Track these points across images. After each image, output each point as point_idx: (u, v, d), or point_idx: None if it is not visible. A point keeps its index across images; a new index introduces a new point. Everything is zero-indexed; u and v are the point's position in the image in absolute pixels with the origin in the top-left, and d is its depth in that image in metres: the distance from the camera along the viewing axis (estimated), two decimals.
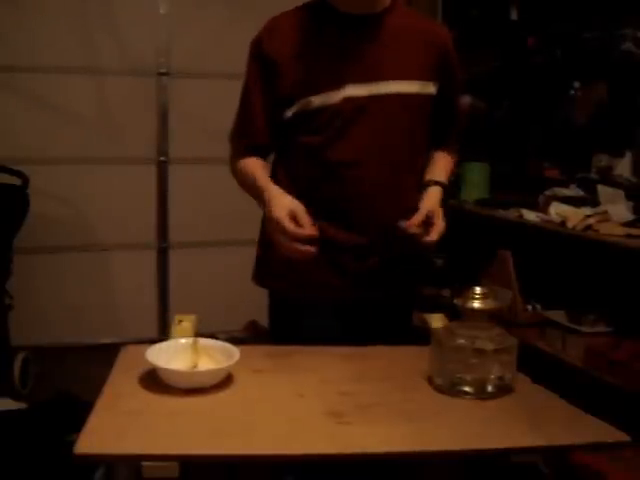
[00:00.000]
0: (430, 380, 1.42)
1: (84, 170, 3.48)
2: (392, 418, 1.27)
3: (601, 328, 2.57)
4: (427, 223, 1.57)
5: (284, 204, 1.51)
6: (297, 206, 1.51)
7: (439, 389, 1.39)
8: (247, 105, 1.67)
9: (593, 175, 2.75)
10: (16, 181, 2.95)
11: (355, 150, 1.61)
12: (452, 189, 3.21)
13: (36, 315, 3.35)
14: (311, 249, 1.47)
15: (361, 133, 1.61)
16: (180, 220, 3.64)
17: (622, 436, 1.25)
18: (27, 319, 3.19)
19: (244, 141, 1.69)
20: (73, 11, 3.35)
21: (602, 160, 2.71)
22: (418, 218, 1.56)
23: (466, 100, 3.32)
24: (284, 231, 1.47)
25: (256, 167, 1.65)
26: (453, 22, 3.56)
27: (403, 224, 1.55)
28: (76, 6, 3.36)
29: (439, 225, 1.59)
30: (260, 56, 1.64)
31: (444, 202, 1.67)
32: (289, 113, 1.62)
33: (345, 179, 1.62)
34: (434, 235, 1.57)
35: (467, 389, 1.36)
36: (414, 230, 1.55)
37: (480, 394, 1.36)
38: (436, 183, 1.68)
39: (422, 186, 1.68)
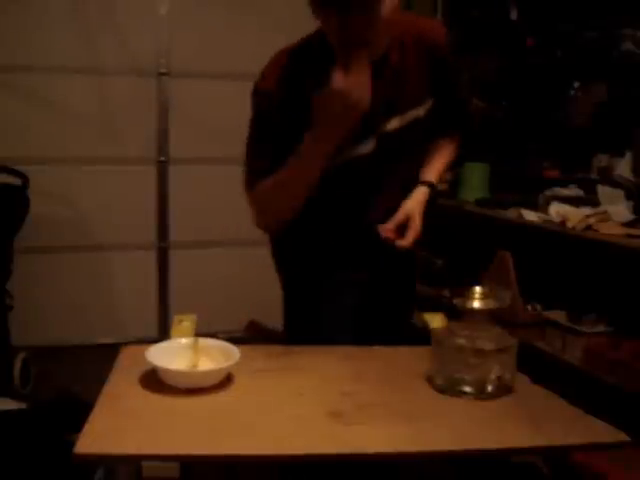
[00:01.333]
0: (430, 380, 1.42)
1: (84, 170, 3.48)
2: (392, 418, 1.27)
3: (601, 328, 2.57)
4: (404, 226, 1.61)
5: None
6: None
7: (439, 389, 1.39)
8: (263, 152, 1.58)
9: (593, 175, 2.74)
10: (16, 181, 2.95)
11: (367, 188, 1.66)
12: (452, 189, 3.22)
13: (36, 315, 3.35)
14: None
15: (380, 172, 1.65)
16: (180, 220, 3.64)
17: (622, 436, 1.25)
18: (27, 319, 3.19)
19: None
20: (73, 11, 3.35)
21: (602, 160, 2.71)
22: (392, 222, 1.61)
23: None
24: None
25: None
26: (453, 22, 3.57)
27: (379, 227, 1.59)
28: (76, 6, 3.35)
29: (415, 227, 1.62)
30: (268, 110, 1.56)
31: (432, 200, 1.71)
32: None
33: (355, 211, 1.68)
34: (409, 238, 1.60)
35: (467, 389, 1.36)
36: (388, 234, 1.59)
37: (480, 394, 1.36)
38: (423, 183, 1.70)
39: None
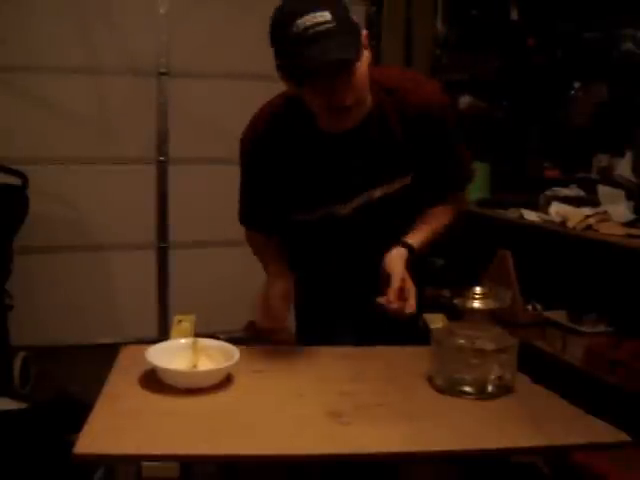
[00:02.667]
0: (430, 380, 1.42)
1: (84, 170, 3.47)
2: (392, 418, 1.27)
3: (601, 328, 2.57)
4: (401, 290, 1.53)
5: (279, 287, 1.63)
6: (286, 295, 1.62)
7: (439, 389, 1.39)
8: (249, 199, 1.73)
9: (593, 175, 2.74)
10: (16, 181, 2.95)
11: (347, 252, 1.72)
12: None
13: (36, 315, 3.35)
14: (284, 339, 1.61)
15: (352, 238, 1.68)
16: (180, 220, 3.64)
17: (622, 436, 1.25)
18: (27, 319, 3.18)
19: (253, 228, 1.79)
20: (73, 11, 3.35)
21: (602, 160, 2.71)
22: (394, 292, 1.51)
23: (466, 100, 3.32)
24: (268, 314, 1.62)
25: (265, 243, 1.78)
26: (453, 22, 3.57)
27: (382, 301, 1.50)
28: (76, 6, 3.35)
29: (413, 290, 1.53)
30: (252, 165, 1.67)
31: (412, 264, 1.61)
32: (295, 217, 1.69)
33: (339, 268, 1.74)
34: (412, 304, 1.51)
35: (467, 389, 1.36)
36: (395, 306, 1.50)
37: (480, 394, 1.36)
38: (403, 245, 1.63)
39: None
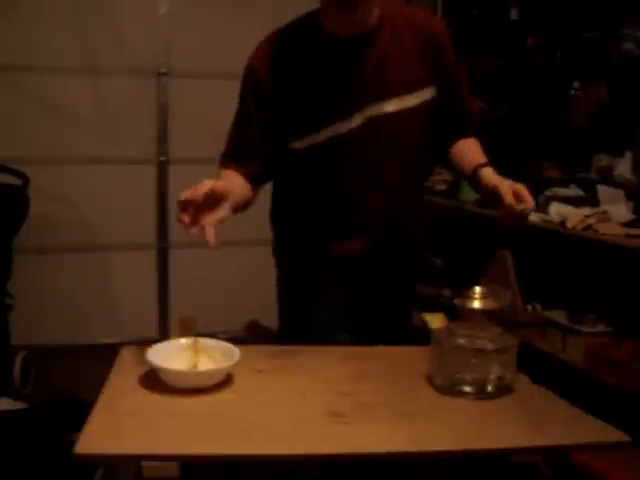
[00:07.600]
0: (430, 380, 1.42)
1: (84, 170, 3.47)
2: (392, 418, 1.27)
3: (601, 328, 2.57)
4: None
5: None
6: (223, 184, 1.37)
7: (439, 389, 1.39)
8: (244, 133, 1.64)
9: (593, 175, 2.74)
10: (16, 181, 2.95)
11: (364, 172, 1.62)
12: (452, 189, 3.22)
13: (36, 315, 3.35)
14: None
15: (368, 155, 1.61)
16: None
17: (622, 436, 1.25)
18: (27, 319, 3.18)
19: (240, 168, 1.62)
20: (73, 11, 3.35)
21: (602, 160, 2.71)
22: (509, 195, 1.47)
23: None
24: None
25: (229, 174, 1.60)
26: (453, 22, 3.57)
27: (503, 211, 1.48)
28: (76, 6, 3.35)
29: (523, 187, 1.50)
30: (256, 88, 1.61)
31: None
32: (298, 145, 1.60)
33: (356, 200, 1.64)
34: (529, 199, 1.48)
35: (467, 389, 1.36)
36: (520, 206, 1.46)
37: (480, 394, 1.36)
38: (482, 165, 1.64)
39: (470, 176, 1.66)
